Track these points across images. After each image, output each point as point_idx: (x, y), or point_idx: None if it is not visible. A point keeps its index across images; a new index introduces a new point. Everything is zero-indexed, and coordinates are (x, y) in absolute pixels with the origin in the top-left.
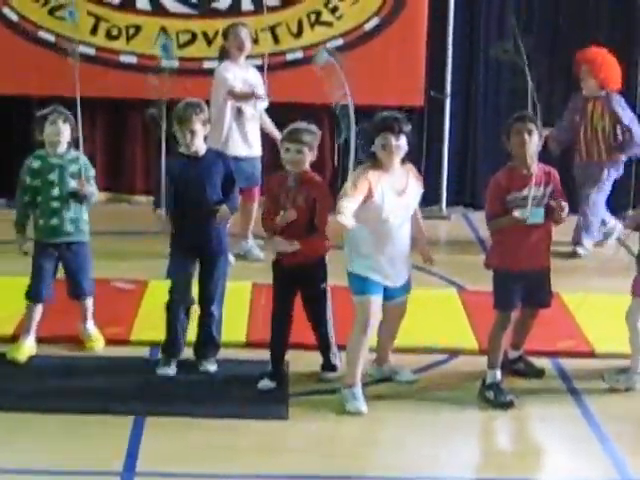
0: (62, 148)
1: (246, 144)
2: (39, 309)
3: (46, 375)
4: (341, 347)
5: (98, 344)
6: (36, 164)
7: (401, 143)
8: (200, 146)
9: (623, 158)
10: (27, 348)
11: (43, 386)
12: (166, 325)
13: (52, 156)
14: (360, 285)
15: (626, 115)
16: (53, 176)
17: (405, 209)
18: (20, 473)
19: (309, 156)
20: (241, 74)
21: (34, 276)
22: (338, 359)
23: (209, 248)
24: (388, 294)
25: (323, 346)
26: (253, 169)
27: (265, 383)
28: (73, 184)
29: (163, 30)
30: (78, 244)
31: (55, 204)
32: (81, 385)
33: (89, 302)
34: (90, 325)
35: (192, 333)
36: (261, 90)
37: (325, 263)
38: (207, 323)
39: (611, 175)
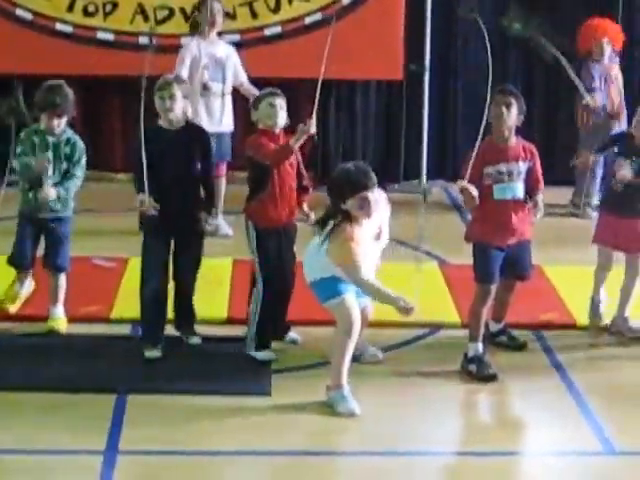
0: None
1: (212, 120)
2: (27, 281)
3: (28, 354)
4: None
5: (61, 324)
6: (36, 139)
7: (377, 195)
8: (179, 115)
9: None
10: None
11: (24, 365)
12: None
13: (49, 134)
14: (331, 287)
15: None
16: (48, 154)
17: (382, 246)
18: (0, 453)
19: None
20: (208, 49)
21: (17, 243)
22: None
23: (186, 226)
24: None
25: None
26: (220, 144)
27: (267, 354)
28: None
29: None
30: (62, 219)
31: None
32: (63, 364)
33: (62, 281)
34: (59, 308)
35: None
36: (240, 70)
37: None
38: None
39: None
